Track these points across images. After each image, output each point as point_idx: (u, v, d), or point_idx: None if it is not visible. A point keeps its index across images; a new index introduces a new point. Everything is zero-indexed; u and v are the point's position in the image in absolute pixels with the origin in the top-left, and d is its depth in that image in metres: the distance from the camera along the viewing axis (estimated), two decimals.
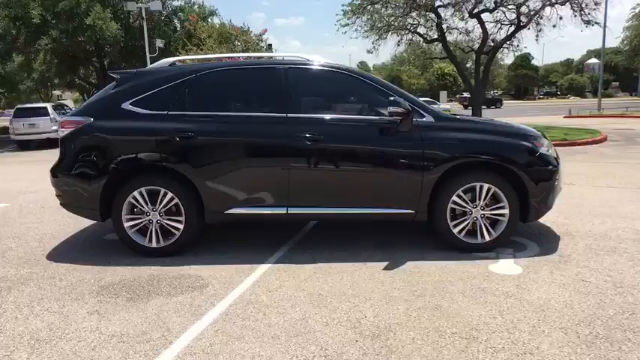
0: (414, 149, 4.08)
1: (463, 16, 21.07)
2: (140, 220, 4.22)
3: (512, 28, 21.10)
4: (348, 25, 20.90)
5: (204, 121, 4.15)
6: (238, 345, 2.77)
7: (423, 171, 4.06)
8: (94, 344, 2.80)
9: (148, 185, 4.16)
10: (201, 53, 21.99)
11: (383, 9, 20.97)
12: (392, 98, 4.04)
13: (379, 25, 21.82)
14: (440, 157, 4.05)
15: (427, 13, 21.19)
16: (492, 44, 21.97)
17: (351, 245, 4.46)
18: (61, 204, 4.47)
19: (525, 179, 4.09)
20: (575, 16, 19.68)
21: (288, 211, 4.18)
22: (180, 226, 4.20)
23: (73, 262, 4.19)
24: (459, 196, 4.14)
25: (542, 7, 19.69)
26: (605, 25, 24.88)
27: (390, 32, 22.62)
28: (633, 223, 5.02)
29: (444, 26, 21.29)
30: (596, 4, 18.64)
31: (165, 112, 4.17)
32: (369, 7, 20.64)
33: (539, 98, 68.56)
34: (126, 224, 4.21)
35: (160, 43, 27.52)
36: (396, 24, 22.17)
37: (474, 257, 4.11)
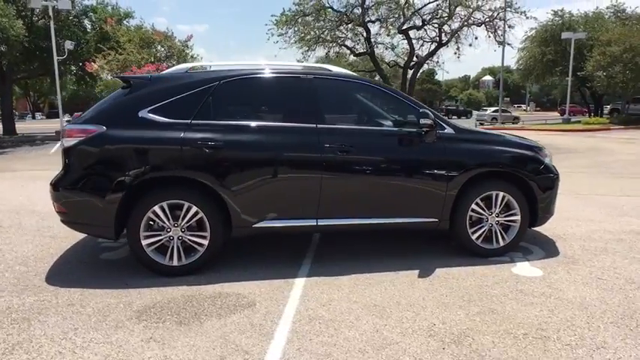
0: (438, 159, 4.24)
1: (389, 32, 22.04)
2: (160, 237, 3.91)
3: (434, 46, 22.48)
4: (282, 34, 20.96)
5: (233, 131, 3.98)
6: None
7: (447, 180, 4.23)
8: None
9: (170, 199, 3.88)
10: (120, 58, 20.79)
11: (314, 21, 21.34)
12: (421, 110, 4.17)
13: (309, 37, 22.13)
14: (462, 167, 4.25)
15: (356, 27, 21.91)
16: (416, 59, 23.22)
17: (371, 255, 4.50)
18: (63, 221, 4.00)
19: (534, 187, 4.43)
20: (489, 37, 21.47)
21: (318, 223, 4.13)
22: (205, 242, 3.96)
23: (83, 286, 3.77)
24: (477, 204, 4.36)
25: (461, 28, 21.24)
26: (504, 46, 27.39)
27: (319, 44, 23.02)
28: (602, 225, 5.62)
29: (373, 41, 22.12)
30: (509, 27, 20.51)
31: (189, 121, 3.92)
32: (300, 19, 20.90)
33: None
34: (144, 242, 3.88)
35: (69, 45, 25.51)
36: (325, 37, 22.64)
37: (491, 262, 4.34)
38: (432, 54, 22.73)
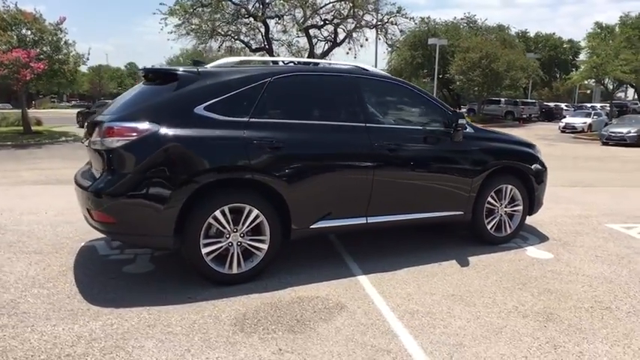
0: (466, 157, 4.60)
1: (285, 29, 22.24)
2: (220, 245, 3.66)
3: (329, 45, 23.24)
4: (179, 25, 19.88)
5: (291, 130, 3.86)
6: (482, 349, 2.86)
7: (473, 175, 4.62)
8: None
9: (231, 203, 3.64)
10: None
11: (211, 13, 20.66)
12: (453, 111, 4.48)
13: (204, 29, 21.39)
14: (485, 163, 4.68)
15: (254, 22, 21.72)
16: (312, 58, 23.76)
17: (398, 250, 4.69)
18: (106, 232, 3.52)
19: (533, 180, 5.04)
20: (380, 39, 22.87)
21: (368, 221, 4.21)
22: (264, 247, 3.80)
23: (139, 304, 3.35)
24: (491, 197, 4.83)
25: (355, 29, 22.29)
26: (376, 48, 29.21)
27: (213, 37, 22.39)
28: (555, 211, 6.54)
29: (270, 37, 22.10)
30: (401, 31, 22.05)
31: (247, 119, 3.72)
32: (200, 9, 20.08)
33: None
34: (204, 250, 3.59)
35: None
36: (220, 30, 22.09)
37: (503, 249, 4.84)
38: (327, 53, 23.46)
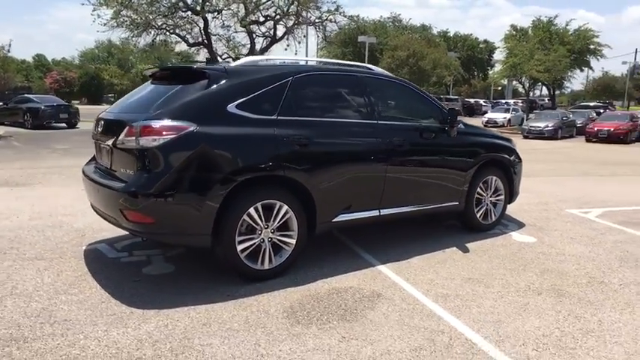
0: (461, 150, 4.97)
1: (223, 23, 21.92)
2: (253, 241, 3.70)
3: (268, 41, 23.21)
4: (114, 18, 18.91)
5: (315, 127, 3.98)
6: (519, 324, 3.18)
7: (467, 168, 5.00)
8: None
9: (264, 199, 3.70)
10: None
11: (147, 5, 19.86)
12: (448, 108, 4.82)
13: (138, 21, 20.56)
14: (476, 156, 5.07)
15: (193, 16, 21.20)
16: (248, 54, 23.62)
17: (400, 240, 4.96)
18: (144, 232, 3.46)
19: (513, 171, 5.53)
20: (318, 36, 23.17)
21: (381, 213, 4.43)
22: (292, 242, 3.89)
23: (180, 305, 3.32)
24: (480, 187, 5.25)
25: (293, 25, 22.43)
26: (307, 44, 29.55)
27: (147, 30, 21.60)
28: (525, 199, 7.14)
29: (209, 31, 21.68)
30: (339, 28, 22.47)
31: (276, 117, 3.79)
32: (135, 0, 19.23)
33: None
34: (239, 247, 3.62)
35: None
36: (155, 23, 21.35)
37: (490, 235, 5.28)
38: (266, 49, 23.39)
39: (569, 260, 4.51)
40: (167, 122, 3.38)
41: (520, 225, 5.74)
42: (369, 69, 4.73)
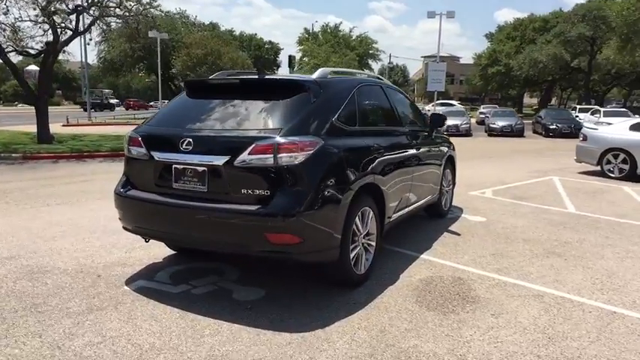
0: (439, 149, 5.85)
1: (8, 10, 18.61)
2: (357, 248, 3.86)
3: (70, 34, 20.53)
4: None
5: (380, 135, 4.35)
6: (550, 280, 4.18)
7: (441, 166, 5.92)
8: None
9: (363, 206, 3.89)
10: None
11: None
12: (429, 114, 5.64)
13: None
14: (445, 153, 6.04)
15: None
16: (46, 47, 20.52)
17: (403, 236, 5.58)
18: (289, 253, 3.28)
19: (454, 165, 6.70)
20: (126, 28, 21.47)
21: (406, 210, 4.97)
22: (374, 244, 4.16)
23: (334, 320, 3.34)
24: (442, 180, 6.25)
25: (99, 17, 20.35)
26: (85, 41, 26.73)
27: None
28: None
29: None
30: (126, 21, 21.26)
31: (358, 128, 4.01)
32: None
33: None
34: (351, 255, 3.75)
35: None
36: None
37: (452, 220, 6.30)
38: (67, 42, 20.52)
39: (528, 231, 5.82)
40: (305, 138, 3.31)
41: (460, 208, 6.94)
42: (381, 79, 5.19)
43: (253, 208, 3.24)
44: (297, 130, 3.36)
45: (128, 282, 3.94)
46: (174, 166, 3.53)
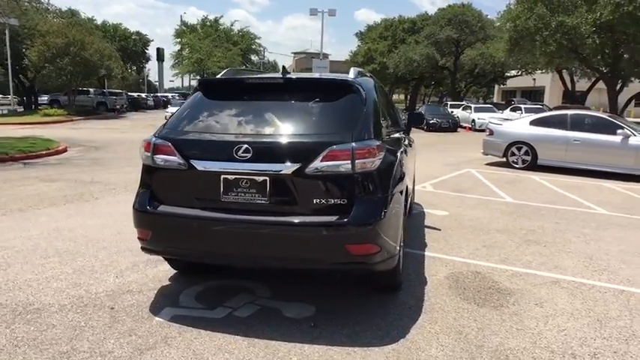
0: (412, 147, 6.04)
1: None
2: (400, 251, 3.81)
3: None
4: None
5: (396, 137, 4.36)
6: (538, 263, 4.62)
7: (412, 163, 6.13)
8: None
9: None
10: None
11: None
12: (411, 113, 5.79)
13: None
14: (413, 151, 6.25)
15: None
16: None
17: None
18: (368, 263, 3.10)
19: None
20: None
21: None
22: (401, 245, 4.15)
23: (394, 335, 3.27)
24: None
25: None
26: None
27: None
28: None
29: None
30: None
31: (386, 130, 3.95)
32: None
33: None
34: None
35: None
36: None
37: (421, 215, 6.58)
38: None
39: (493, 222, 6.29)
40: (374, 142, 3.16)
41: (416, 203, 7.23)
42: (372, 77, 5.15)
43: (332, 218, 3.00)
44: (365, 133, 3.19)
45: (154, 312, 3.39)
46: (222, 176, 3.11)
